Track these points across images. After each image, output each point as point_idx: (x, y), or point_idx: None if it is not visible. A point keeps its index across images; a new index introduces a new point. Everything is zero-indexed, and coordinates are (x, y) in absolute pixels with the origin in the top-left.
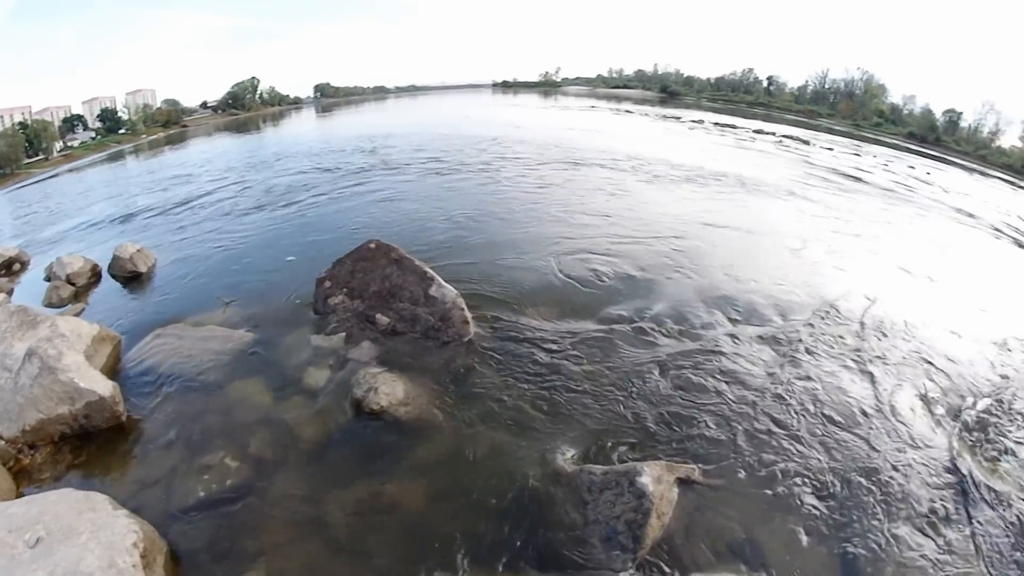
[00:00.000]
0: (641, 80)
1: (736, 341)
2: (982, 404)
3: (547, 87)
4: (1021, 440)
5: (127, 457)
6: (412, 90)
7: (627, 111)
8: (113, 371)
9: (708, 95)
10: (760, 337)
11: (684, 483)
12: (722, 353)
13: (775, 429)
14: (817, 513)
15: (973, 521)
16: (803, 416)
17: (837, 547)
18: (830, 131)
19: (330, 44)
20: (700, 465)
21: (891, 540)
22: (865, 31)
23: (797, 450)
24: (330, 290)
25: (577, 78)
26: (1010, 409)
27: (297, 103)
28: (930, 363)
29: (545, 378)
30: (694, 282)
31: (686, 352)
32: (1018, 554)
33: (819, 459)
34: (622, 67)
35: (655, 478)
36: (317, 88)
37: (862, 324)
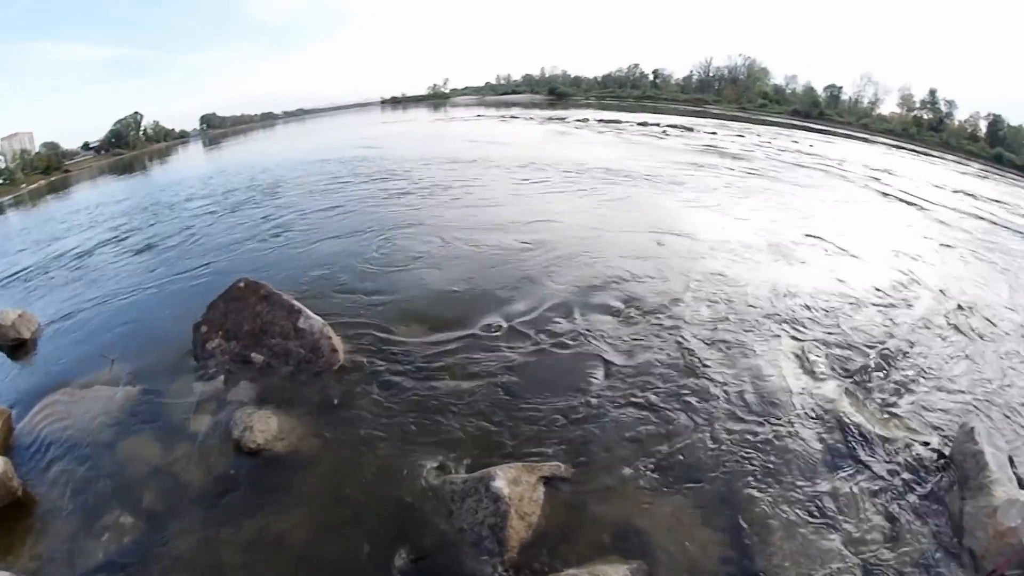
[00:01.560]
0: (529, 84)
1: (604, 330)
2: (867, 356)
3: (436, 99)
4: (907, 385)
5: (27, 531)
6: (300, 114)
7: (512, 116)
8: (5, 446)
9: (596, 93)
10: (626, 322)
11: (552, 481)
12: (589, 345)
13: (649, 414)
14: (699, 490)
15: (864, 470)
16: (677, 396)
17: (723, 521)
18: (717, 116)
19: (214, 72)
20: (570, 460)
21: (778, 504)
22: (744, 18)
23: (674, 430)
24: (207, 335)
25: (466, 88)
26: (895, 358)
27: (183, 137)
28: (808, 323)
29: (415, 394)
30: (556, 278)
31: (552, 350)
32: (912, 497)
33: (697, 435)
34: (510, 73)
35: (511, 480)
36: (203, 119)
37: (738, 293)
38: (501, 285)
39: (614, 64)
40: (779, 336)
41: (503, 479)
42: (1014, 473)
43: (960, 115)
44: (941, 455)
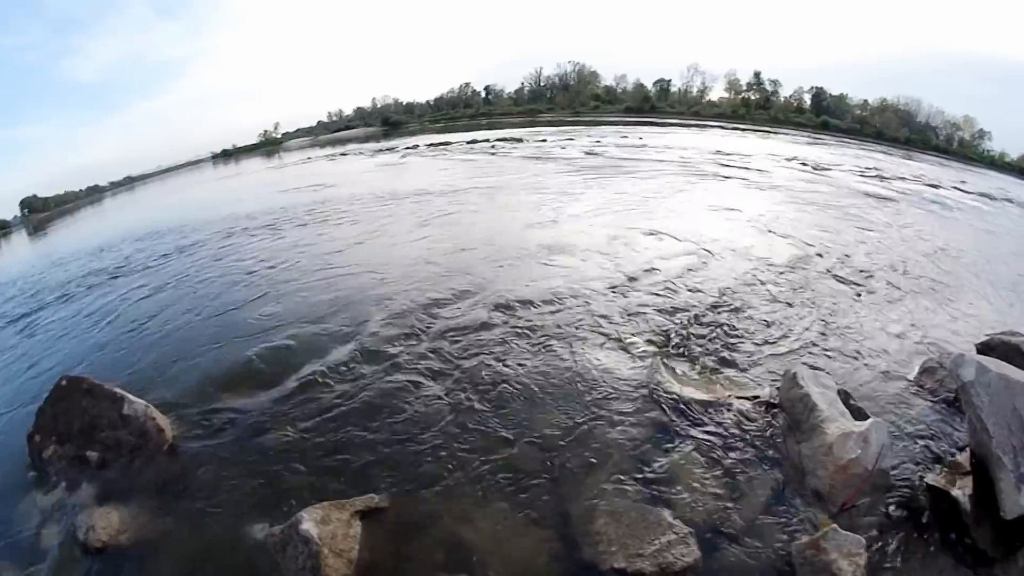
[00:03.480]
0: (362, 118)
1: (421, 351)
2: (691, 325)
3: (269, 146)
4: (733, 346)
5: None
6: (129, 183)
7: (343, 154)
8: None
9: (430, 118)
10: (444, 338)
11: (369, 514)
12: (406, 370)
13: (468, 427)
14: (524, 492)
15: (693, 438)
16: (495, 403)
17: (549, 519)
18: (551, 124)
19: (29, 147)
20: (392, 490)
21: (602, 492)
22: (571, 26)
23: (494, 437)
24: (41, 443)
25: (297, 130)
26: (720, 323)
27: (5, 227)
28: (630, 305)
29: (244, 455)
30: (372, 310)
31: (372, 383)
32: (747, 453)
33: (518, 439)
34: (341, 109)
35: (319, 520)
36: (23, 204)
37: (561, 285)
38: (321, 328)
39: (446, 86)
40: (602, 321)
41: (310, 520)
42: (850, 406)
43: (785, 91)
44: (770, 405)
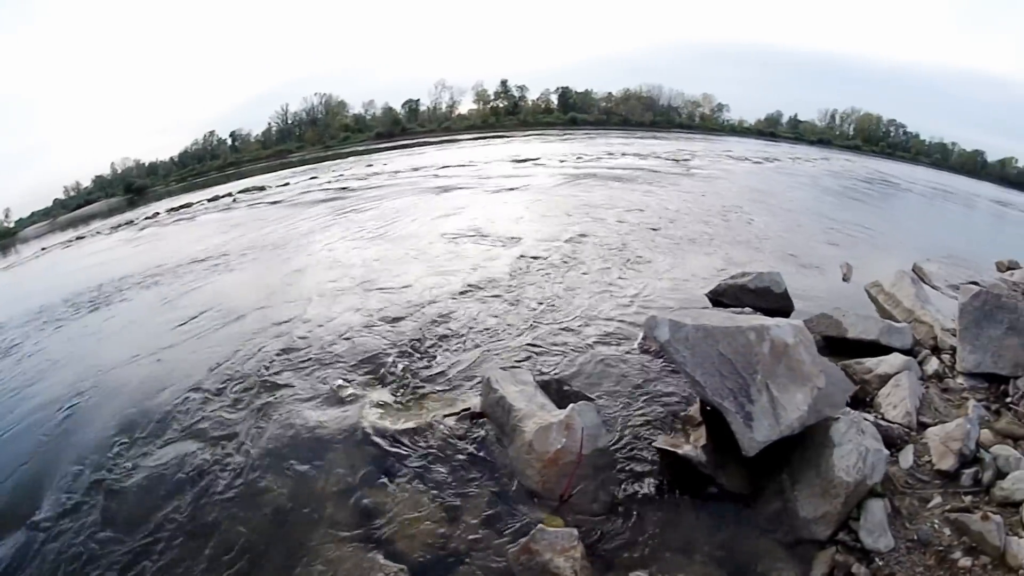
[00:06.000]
0: (103, 188)
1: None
2: (399, 353)
3: (2, 239)
4: (436, 366)
5: None
6: None
7: (79, 237)
8: None
9: (176, 176)
10: (151, 427)
11: None
12: (116, 476)
13: (189, 515)
14: (254, 570)
15: (403, 469)
16: (212, 483)
17: None
18: (300, 163)
19: None
20: None
21: (322, 546)
22: (313, 56)
23: (214, 521)
24: None
25: (32, 214)
26: (429, 342)
27: None
28: (332, 351)
29: None
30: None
31: (92, 497)
32: (458, 470)
33: (236, 517)
34: (78, 181)
35: None
36: None
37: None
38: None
39: (190, 137)
40: (311, 369)
41: None
42: (563, 392)
43: (533, 94)
44: (476, 416)
